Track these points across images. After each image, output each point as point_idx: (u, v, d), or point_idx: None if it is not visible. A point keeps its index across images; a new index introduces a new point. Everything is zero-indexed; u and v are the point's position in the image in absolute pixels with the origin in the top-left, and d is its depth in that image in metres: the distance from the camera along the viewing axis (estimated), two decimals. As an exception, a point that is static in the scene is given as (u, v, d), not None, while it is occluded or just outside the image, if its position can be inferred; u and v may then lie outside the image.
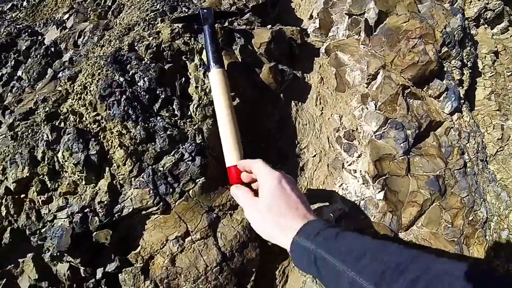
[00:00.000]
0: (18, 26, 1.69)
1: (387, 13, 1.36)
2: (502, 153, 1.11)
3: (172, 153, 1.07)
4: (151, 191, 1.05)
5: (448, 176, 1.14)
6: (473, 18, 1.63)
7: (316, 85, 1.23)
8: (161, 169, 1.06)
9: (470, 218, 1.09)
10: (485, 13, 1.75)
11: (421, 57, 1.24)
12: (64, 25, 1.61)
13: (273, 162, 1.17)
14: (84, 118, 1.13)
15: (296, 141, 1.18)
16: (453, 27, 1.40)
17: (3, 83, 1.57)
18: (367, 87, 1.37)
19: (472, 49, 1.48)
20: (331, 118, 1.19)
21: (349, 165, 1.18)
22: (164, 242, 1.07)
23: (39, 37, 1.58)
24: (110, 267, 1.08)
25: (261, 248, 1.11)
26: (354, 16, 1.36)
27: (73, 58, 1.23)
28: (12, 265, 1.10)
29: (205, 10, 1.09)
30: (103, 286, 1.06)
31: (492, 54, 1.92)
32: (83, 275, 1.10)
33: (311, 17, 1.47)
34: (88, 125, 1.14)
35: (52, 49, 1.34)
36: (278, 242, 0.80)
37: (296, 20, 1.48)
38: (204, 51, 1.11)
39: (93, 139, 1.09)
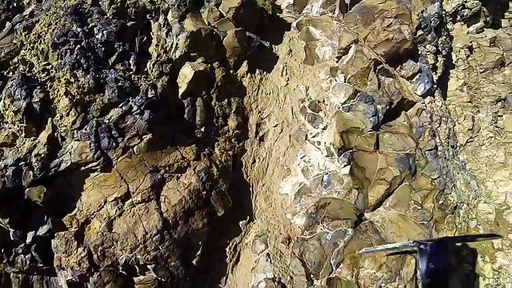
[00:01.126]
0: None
1: None
2: (472, 144, 1.05)
3: (120, 106, 0.98)
4: (92, 144, 0.96)
5: (418, 156, 1.06)
6: (450, 13, 1.60)
7: (284, 57, 1.18)
8: (107, 121, 0.97)
9: (440, 202, 1.01)
10: (462, 10, 1.74)
11: (396, 35, 1.19)
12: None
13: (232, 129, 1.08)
14: (34, 68, 1.04)
15: (257, 110, 1.10)
16: (430, 13, 1.36)
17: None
18: (337, 62, 1.31)
19: (447, 39, 1.46)
20: (297, 89, 1.13)
21: (313, 136, 1.10)
22: (102, 203, 0.98)
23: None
24: (42, 230, 0.98)
25: (210, 220, 1.01)
26: None
27: (34, 12, 1.16)
28: None
29: None
30: (33, 252, 0.94)
31: (467, 49, 1.92)
32: (12, 238, 0.99)
33: None
34: (37, 74, 1.05)
35: (15, 3, 1.27)
36: None
37: (270, -4, 1.43)
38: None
39: (38, 87, 1.01)
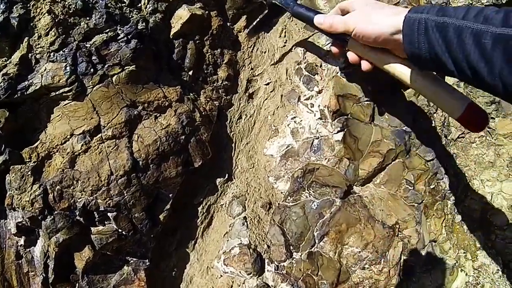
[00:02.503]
0: None
1: None
2: (463, 140, 0.97)
3: (105, 31, 0.89)
4: (67, 67, 0.85)
5: (414, 135, 0.97)
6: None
7: (284, 19, 1.09)
8: (88, 46, 0.87)
9: (432, 186, 0.92)
10: None
11: None
12: None
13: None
14: None
15: (250, 67, 1.01)
16: None
17: None
18: None
19: None
20: (294, 51, 1.05)
21: (307, 99, 1.01)
22: (68, 136, 0.86)
23: None
24: None
25: (185, 170, 0.90)
26: None
27: None
28: None
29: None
30: None
31: None
32: None
33: None
34: None
35: None
36: (389, 22, 0.75)
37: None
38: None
39: (21, 3, 0.91)
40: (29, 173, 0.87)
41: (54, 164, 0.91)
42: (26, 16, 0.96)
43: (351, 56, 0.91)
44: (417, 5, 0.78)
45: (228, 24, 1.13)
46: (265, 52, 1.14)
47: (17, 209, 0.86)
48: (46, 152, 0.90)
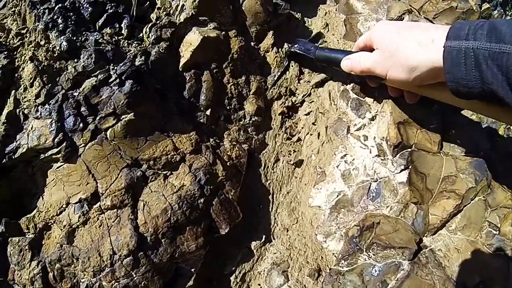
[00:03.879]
0: None
1: None
2: None
3: (95, 74, 0.67)
4: (53, 124, 0.65)
5: (495, 160, 0.68)
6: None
7: (319, 31, 0.83)
8: (76, 94, 0.66)
9: None
10: None
11: (460, 3, 0.83)
12: None
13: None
14: (10, 34, 0.77)
15: (285, 94, 0.76)
16: None
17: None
18: None
19: None
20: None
21: (358, 129, 0.74)
22: (64, 205, 0.66)
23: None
24: None
25: (209, 239, 0.66)
26: None
27: None
28: None
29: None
30: None
31: None
32: None
33: None
34: (10, 40, 0.79)
35: None
36: (424, 58, 0.61)
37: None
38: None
39: (5, 52, 0.73)
40: (27, 247, 0.76)
41: (53, 237, 0.74)
42: (10, 66, 0.79)
43: (392, 90, 0.79)
44: (457, 23, 0.60)
45: (252, 44, 0.88)
46: (302, 74, 0.87)
47: (18, 284, 0.70)
48: (44, 223, 0.74)
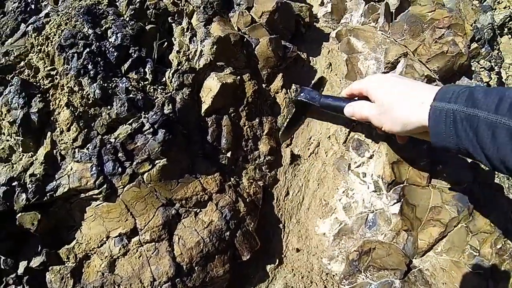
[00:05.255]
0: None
1: (409, 1, 1.28)
2: None
3: (130, 122, 0.77)
4: (93, 168, 0.75)
5: (477, 191, 0.84)
6: (497, 25, 1.38)
7: (322, 70, 0.96)
8: (113, 140, 0.77)
9: (498, 246, 0.78)
10: (510, 23, 1.50)
11: (450, 47, 0.97)
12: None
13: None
14: (39, 73, 0.85)
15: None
16: (483, 24, 1.14)
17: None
18: None
19: (500, 53, 1.21)
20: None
21: (358, 166, 0.87)
22: (104, 239, 0.77)
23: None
24: (35, 262, 0.78)
25: (233, 265, 0.79)
26: (371, 3, 1.12)
27: (50, 14, 0.99)
28: None
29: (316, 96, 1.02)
30: (24, 284, 0.76)
31: None
32: (2, 266, 0.79)
33: (322, 3, 1.22)
34: (40, 80, 0.87)
35: (33, 6, 1.11)
36: (414, 119, 0.72)
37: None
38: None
39: (39, 95, 0.82)
40: (69, 275, 0.84)
41: (93, 265, 0.84)
42: (46, 109, 0.88)
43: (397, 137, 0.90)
44: (445, 87, 0.71)
45: (263, 85, 0.99)
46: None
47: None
48: (84, 253, 0.84)
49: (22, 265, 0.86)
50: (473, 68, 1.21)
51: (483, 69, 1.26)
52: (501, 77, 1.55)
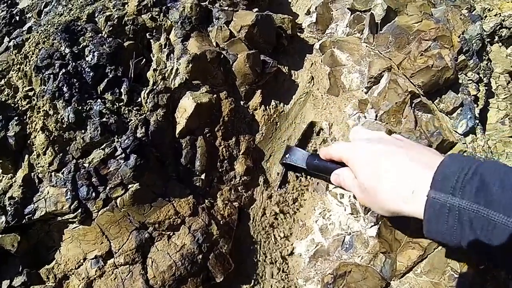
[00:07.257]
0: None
1: (396, 11, 1.22)
2: None
3: (103, 147, 0.77)
4: (68, 193, 0.76)
5: None
6: (487, 33, 1.33)
7: (305, 85, 0.94)
8: (87, 165, 0.77)
9: (480, 267, 0.77)
10: (500, 30, 1.45)
11: (436, 61, 0.94)
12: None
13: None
14: (18, 93, 0.85)
15: (271, 152, 0.88)
16: (472, 34, 1.10)
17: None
18: (366, 93, 1.06)
19: (489, 64, 1.17)
20: (318, 126, 0.89)
21: (335, 187, 0.86)
22: (82, 260, 0.78)
23: (16, 7, 1.38)
24: (16, 282, 0.80)
25: (207, 287, 0.80)
26: (357, 13, 1.09)
27: (32, 28, 0.99)
28: None
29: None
30: None
31: (507, 75, 1.60)
32: None
33: (308, 12, 1.19)
34: (19, 101, 0.87)
35: (17, 17, 1.10)
36: (405, 209, 0.60)
37: (291, 15, 1.20)
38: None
39: (16, 117, 0.82)
40: None
41: (72, 285, 0.86)
42: (22, 132, 0.89)
43: None
44: (445, 166, 0.56)
45: (242, 102, 0.98)
46: (286, 130, 0.99)
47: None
48: (63, 274, 0.86)
49: (5, 283, 0.88)
50: (460, 81, 1.18)
51: (470, 81, 1.23)
52: (490, 87, 1.52)
